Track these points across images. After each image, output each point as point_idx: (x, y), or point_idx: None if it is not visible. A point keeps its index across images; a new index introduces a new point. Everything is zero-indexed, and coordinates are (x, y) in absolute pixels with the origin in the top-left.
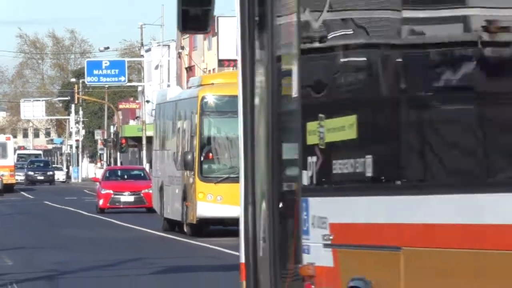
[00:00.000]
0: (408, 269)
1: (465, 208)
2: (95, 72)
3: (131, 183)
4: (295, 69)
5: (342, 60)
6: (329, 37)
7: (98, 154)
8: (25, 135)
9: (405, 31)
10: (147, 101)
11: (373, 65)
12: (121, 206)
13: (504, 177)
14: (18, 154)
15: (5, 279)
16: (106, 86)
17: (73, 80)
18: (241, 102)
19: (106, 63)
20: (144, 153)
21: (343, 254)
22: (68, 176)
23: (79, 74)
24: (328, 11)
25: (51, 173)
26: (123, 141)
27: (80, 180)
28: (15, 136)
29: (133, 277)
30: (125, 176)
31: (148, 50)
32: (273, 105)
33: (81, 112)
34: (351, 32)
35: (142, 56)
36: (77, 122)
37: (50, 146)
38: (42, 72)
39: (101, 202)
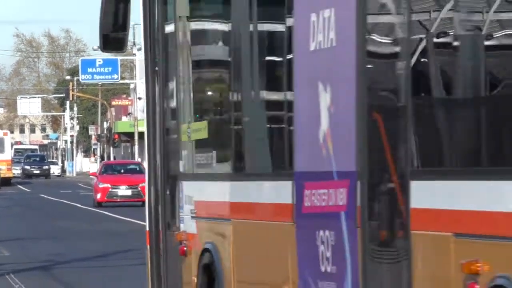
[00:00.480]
0: (235, 236)
1: (274, 191)
2: (89, 70)
3: (128, 177)
4: (173, 83)
5: (196, 75)
6: (193, 57)
7: (92, 149)
8: (22, 131)
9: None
10: (139, 98)
11: (218, 79)
12: (119, 200)
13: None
14: (15, 149)
15: (2, 269)
16: (100, 83)
17: (68, 77)
18: (145, 108)
19: (99, 61)
20: (136, 148)
21: (201, 224)
22: (63, 170)
23: (73, 72)
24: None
25: (46, 167)
26: (116, 136)
27: (74, 174)
28: (12, 132)
29: (126, 267)
30: (122, 171)
31: (140, 49)
32: (162, 111)
33: (75, 109)
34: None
35: (134, 54)
36: (71, 118)
37: (45, 141)
38: (38, 70)
39: (98, 195)
